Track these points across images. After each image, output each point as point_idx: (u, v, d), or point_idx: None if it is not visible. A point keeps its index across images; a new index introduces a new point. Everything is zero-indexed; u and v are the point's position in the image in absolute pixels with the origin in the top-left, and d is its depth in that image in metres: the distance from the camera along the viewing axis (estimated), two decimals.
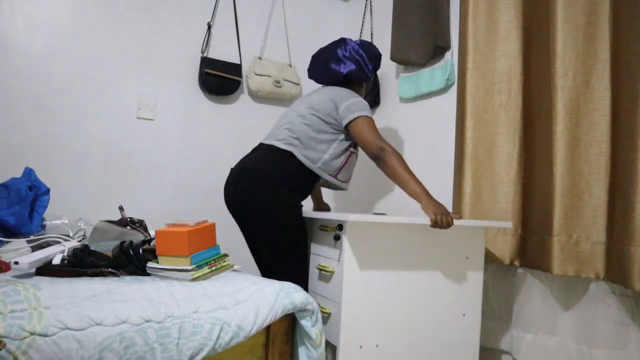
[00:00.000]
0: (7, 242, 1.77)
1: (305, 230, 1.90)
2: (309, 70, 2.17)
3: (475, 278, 1.80)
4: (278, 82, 2.75)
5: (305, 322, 1.56)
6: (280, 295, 1.54)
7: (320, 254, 1.82)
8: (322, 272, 1.76)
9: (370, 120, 1.88)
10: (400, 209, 2.49)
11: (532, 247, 1.85)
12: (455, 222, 1.68)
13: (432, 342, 1.72)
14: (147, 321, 1.29)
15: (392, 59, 2.51)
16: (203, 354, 1.35)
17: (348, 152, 1.95)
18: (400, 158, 1.79)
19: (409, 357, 1.68)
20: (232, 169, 1.98)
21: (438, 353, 1.73)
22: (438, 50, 2.35)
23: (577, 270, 1.66)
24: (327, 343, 1.63)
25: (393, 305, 1.67)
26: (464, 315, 1.77)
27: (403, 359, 1.67)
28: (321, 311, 1.69)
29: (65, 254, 1.61)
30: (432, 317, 1.72)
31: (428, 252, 1.73)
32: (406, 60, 2.45)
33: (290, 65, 2.84)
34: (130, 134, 2.49)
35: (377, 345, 1.64)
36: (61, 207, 2.21)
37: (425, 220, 1.66)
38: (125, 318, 1.27)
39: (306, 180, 1.92)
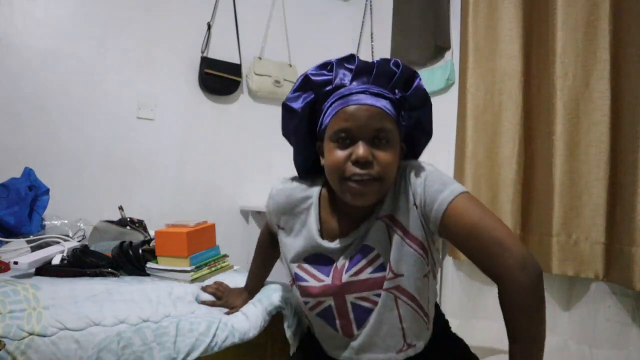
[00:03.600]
0: (7, 242, 1.77)
1: None
2: None
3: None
4: (278, 82, 2.75)
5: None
6: (273, 297, 1.53)
7: None
8: None
9: None
10: None
11: (531, 247, 1.85)
12: None
13: None
14: (144, 321, 1.29)
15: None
16: (200, 349, 1.34)
17: None
18: None
19: None
20: None
21: None
22: (438, 50, 2.35)
23: (577, 270, 1.66)
24: None
25: None
26: None
27: None
28: None
29: (64, 254, 1.61)
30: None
31: None
32: (406, 60, 2.44)
33: (290, 65, 2.84)
34: (130, 134, 2.49)
35: None
36: (61, 207, 2.20)
37: None
38: (123, 318, 1.27)
39: None
